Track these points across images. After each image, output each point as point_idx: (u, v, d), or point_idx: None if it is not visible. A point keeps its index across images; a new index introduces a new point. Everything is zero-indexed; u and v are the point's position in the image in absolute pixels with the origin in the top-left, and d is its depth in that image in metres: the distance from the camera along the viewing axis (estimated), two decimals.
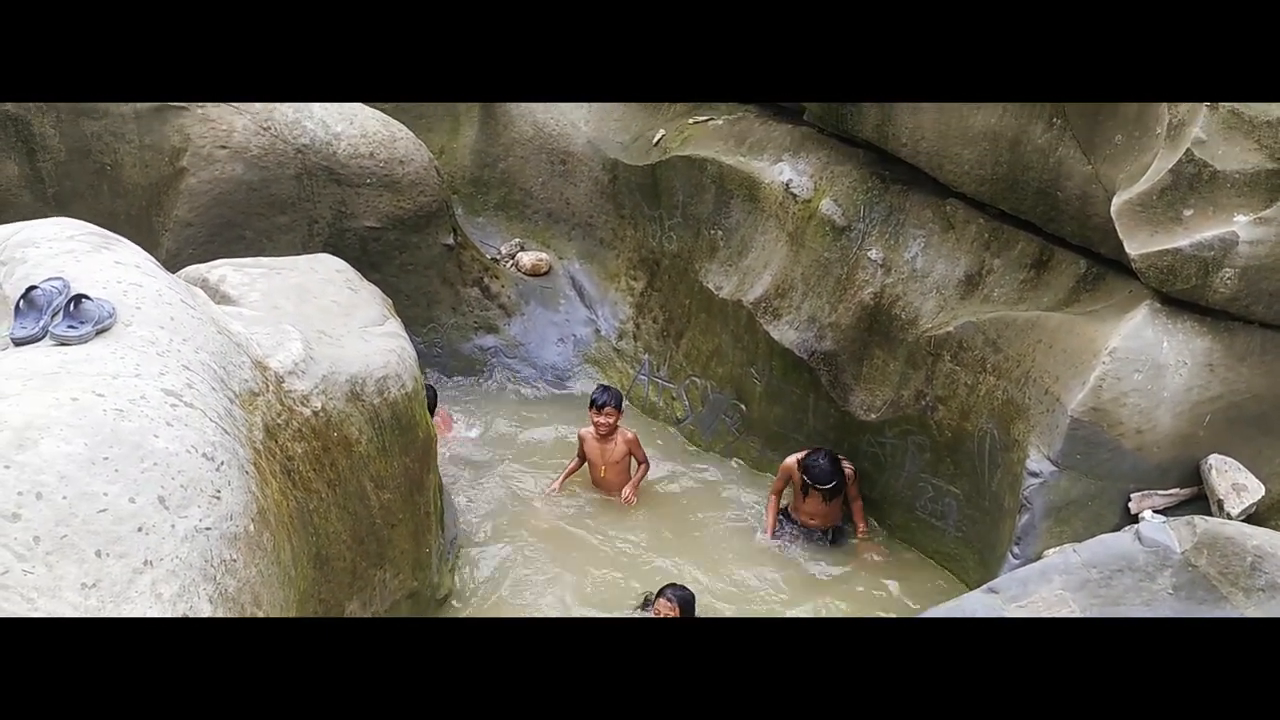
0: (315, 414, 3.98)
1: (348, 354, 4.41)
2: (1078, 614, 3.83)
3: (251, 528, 3.06)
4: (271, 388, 3.81)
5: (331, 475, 3.99)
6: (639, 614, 5.09)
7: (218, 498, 2.96)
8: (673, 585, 4.91)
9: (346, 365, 4.31)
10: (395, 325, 5.05)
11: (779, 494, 5.73)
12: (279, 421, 3.73)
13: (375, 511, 4.31)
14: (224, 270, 4.84)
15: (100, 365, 3.09)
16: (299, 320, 4.46)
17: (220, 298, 4.68)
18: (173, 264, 5.52)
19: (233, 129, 5.88)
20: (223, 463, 3.06)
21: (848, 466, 5.59)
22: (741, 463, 6.24)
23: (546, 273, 7.13)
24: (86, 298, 3.30)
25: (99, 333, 3.26)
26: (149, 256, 3.89)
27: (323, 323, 4.61)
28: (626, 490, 5.87)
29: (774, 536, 5.66)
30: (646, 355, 6.75)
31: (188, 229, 5.91)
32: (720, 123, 6.45)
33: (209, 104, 5.87)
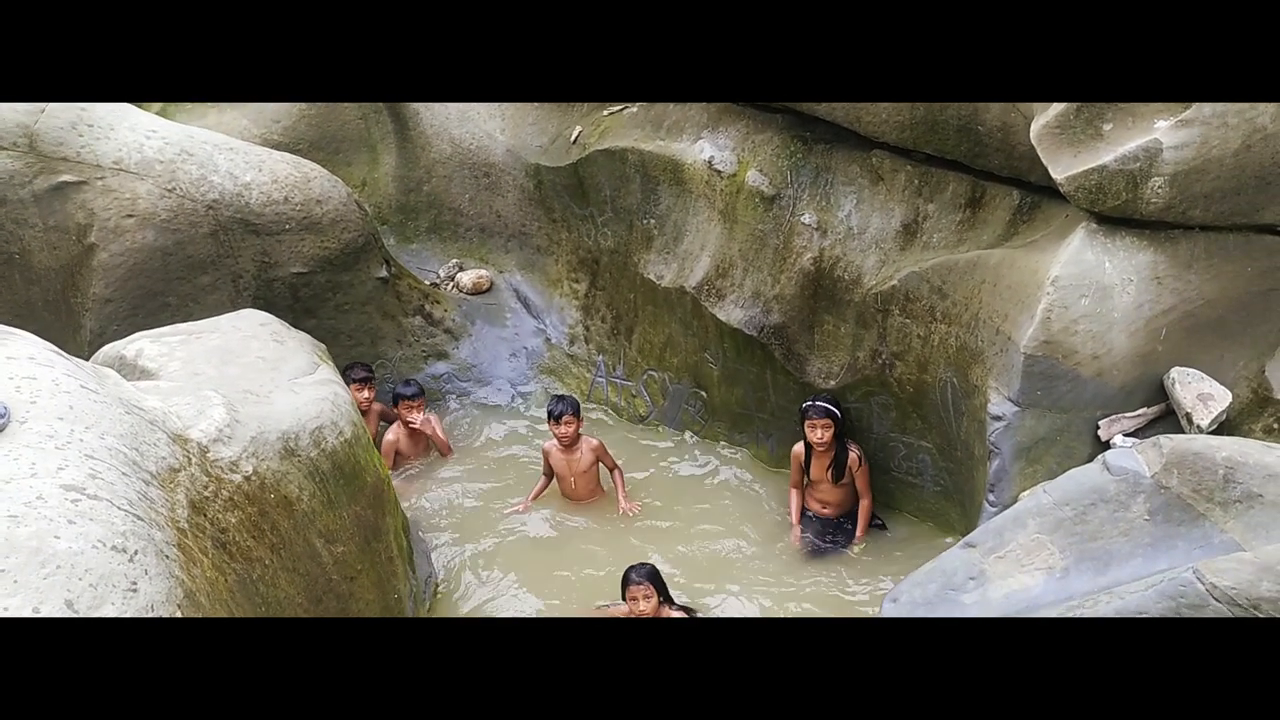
0: (246, 479, 3.82)
1: (277, 410, 4.26)
2: (1057, 555, 3.73)
3: (178, 614, 2.91)
4: (194, 460, 3.65)
5: (274, 539, 3.84)
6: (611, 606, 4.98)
7: (134, 590, 2.81)
8: (633, 568, 4.75)
9: (276, 422, 4.15)
10: (328, 371, 4.89)
11: (798, 486, 5.52)
12: (206, 494, 3.58)
13: (329, 567, 4.16)
14: (141, 344, 4.68)
15: None
16: (222, 383, 4.31)
17: (140, 373, 4.52)
18: (98, 343, 5.38)
19: (136, 196, 5.70)
20: (136, 552, 2.91)
21: (854, 449, 5.35)
22: (710, 443, 6.14)
23: (488, 289, 6.98)
24: None
25: None
26: (48, 345, 3.72)
27: (248, 382, 4.46)
28: (622, 503, 5.70)
29: (800, 530, 5.47)
30: (600, 356, 6.61)
31: (108, 305, 5.73)
32: (635, 110, 6.30)
33: (108, 174, 5.69)
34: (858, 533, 5.40)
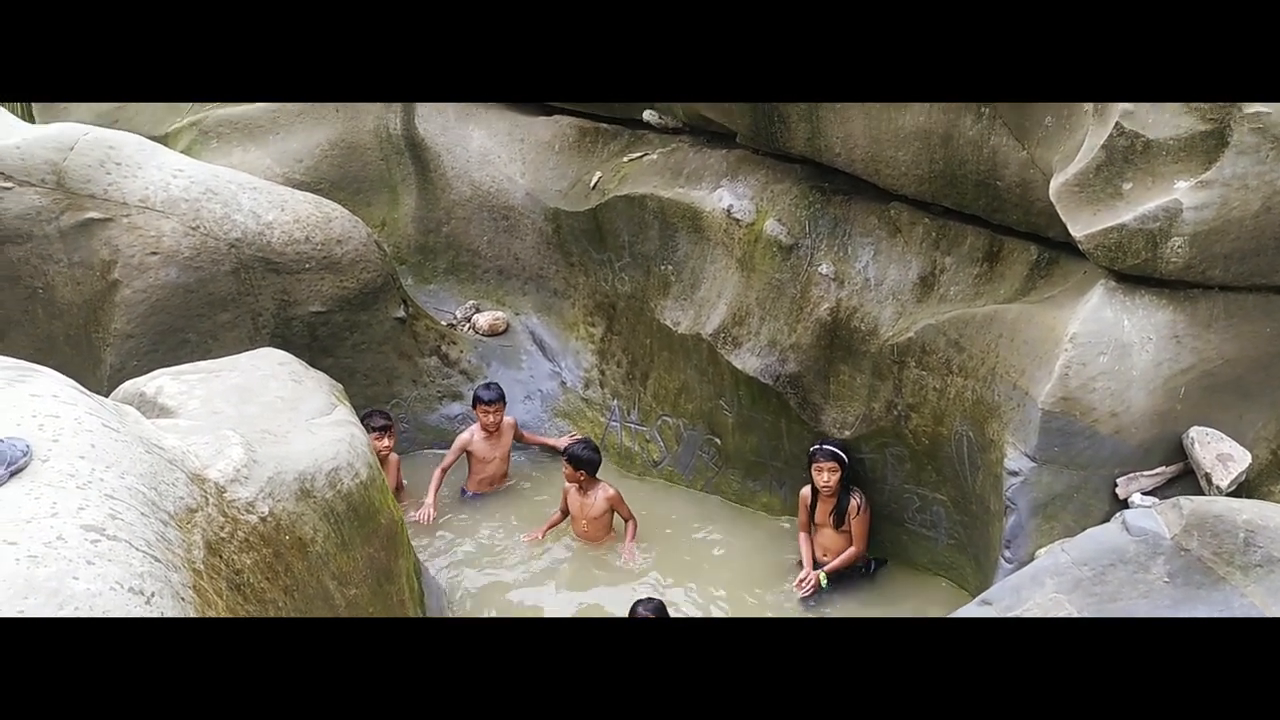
0: (263, 519, 3.82)
1: (294, 450, 4.27)
2: (1075, 616, 3.69)
3: None
4: (212, 500, 3.66)
5: (288, 581, 3.83)
6: None
7: None
8: (640, 602, 4.82)
9: (293, 463, 4.16)
10: (344, 412, 4.90)
11: (806, 529, 5.56)
12: (222, 535, 3.58)
13: (341, 610, 4.14)
14: (161, 381, 4.71)
15: (13, 510, 2.93)
16: (240, 423, 4.32)
17: (159, 410, 4.55)
18: (117, 379, 5.43)
19: (161, 234, 5.77)
20: (153, 594, 2.90)
21: (857, 496, 5.40)
22: (722, 498, 6.13)
23: (504, 331, 7.02)
24: None
25: (13, 474, 3.11)
26: (70, 382, 3.74)
27: (266, 421, 4.47)
28: (625, 554, 5.73)
29: (815, 570, 5.44)
30: (615, 401, 6.62)
31: (129, 341, 5.78)
32: (655, 157, 6.36)
33: (134, 212, 5.76)
34: (830, 564, 5.39)
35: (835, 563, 5.42)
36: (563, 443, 6.33)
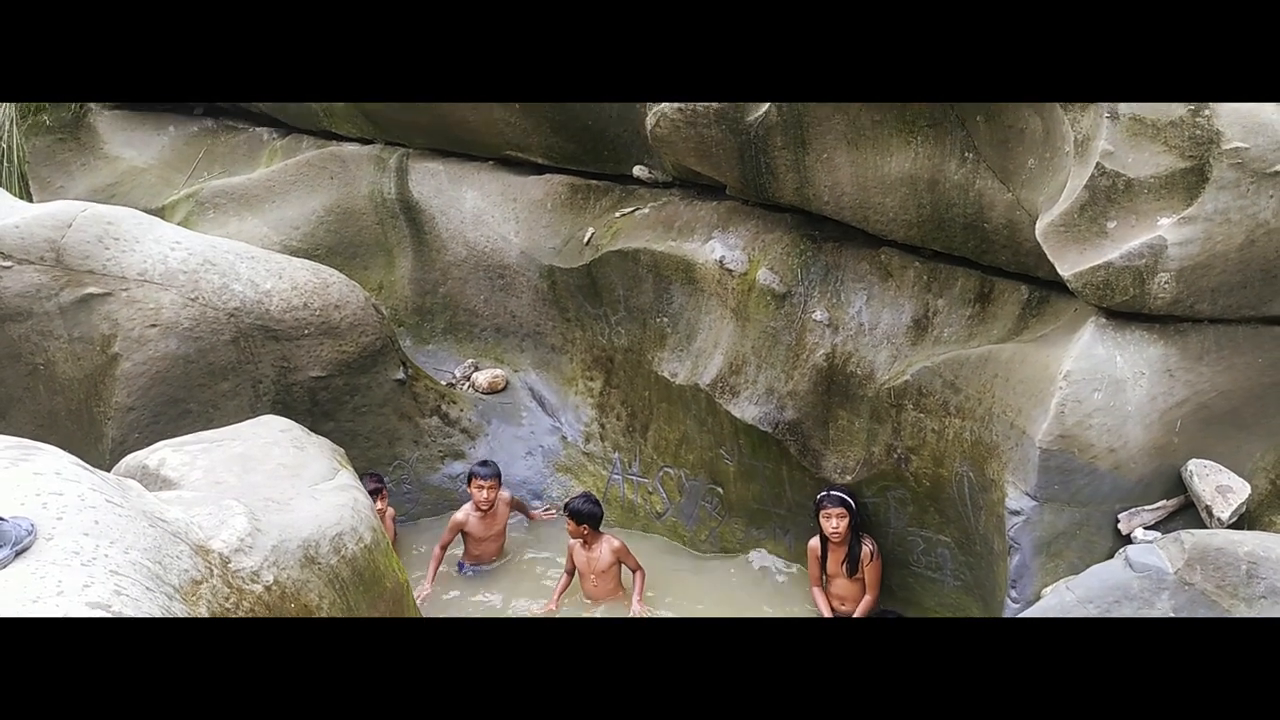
0: (267, 589, 3.83)
1: (298, 517, 4.28)
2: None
3: None
4: (216, 571, 3.67)
5: None
6: None
7: None
8: None
9: (297, 530, 4.17)
10: (347, 477, 4.92)
11: (819, 583, 5.54)
12: (227, 606, 3.58)
13: None
14: (163, 453, 4.73)
15: (19, 590, 2.95)
16: (244, 491, 4.34)
17: (162, 482, 4.57)
18: (119, 452, 5.44)
19: (160, 306, 5.82)
20: None
21: (869, 543, 5.39)
22: (726, 541, 6.12)
23: (504, 388, 7.05)
24: (1, 519, 3.18)
25: (18, 554, 3.13)
26: (72, 458, 3.77)
27: (269, 489, 4.49)
28: (635, 604, 5.68)
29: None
30: (616, 454, 6.64)
31: (130, 414, 5.81)
32: (646, 211, 6.44)
33: (133, 285, 5.82)
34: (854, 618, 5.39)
35: (857, 615, 5.39)
36: (547, 515, 6.51)
